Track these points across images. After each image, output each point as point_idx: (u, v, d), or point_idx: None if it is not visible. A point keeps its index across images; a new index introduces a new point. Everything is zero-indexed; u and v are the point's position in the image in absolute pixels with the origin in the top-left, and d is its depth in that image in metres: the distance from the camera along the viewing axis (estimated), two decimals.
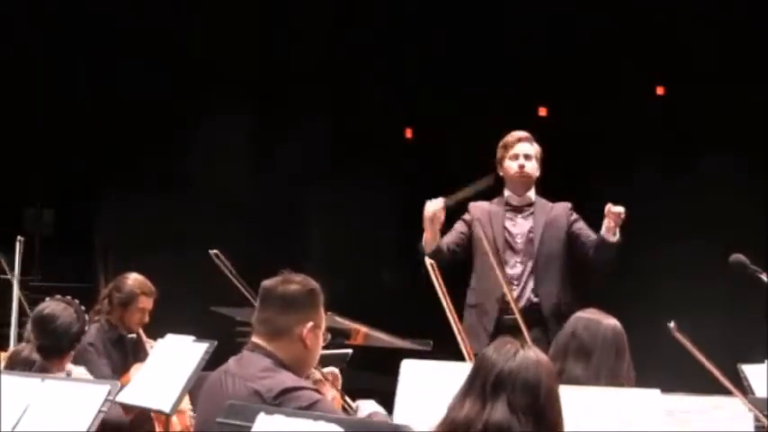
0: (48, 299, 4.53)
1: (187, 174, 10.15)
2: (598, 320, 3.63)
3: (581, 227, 5.64)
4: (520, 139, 5.55)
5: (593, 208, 9.01)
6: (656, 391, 3.11)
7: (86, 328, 4.58)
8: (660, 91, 9.25)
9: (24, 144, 10.22)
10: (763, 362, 4.51)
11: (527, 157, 5.55)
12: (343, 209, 10.11)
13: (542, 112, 9.92)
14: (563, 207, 5.69)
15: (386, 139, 10.30)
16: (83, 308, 4.51)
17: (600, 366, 3.50)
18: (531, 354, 2.79)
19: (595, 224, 5.87)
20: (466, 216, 5.64)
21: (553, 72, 9.57)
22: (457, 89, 9.80)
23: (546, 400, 2.73)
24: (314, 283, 3.52)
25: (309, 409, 3.20)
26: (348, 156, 10.11)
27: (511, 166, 5.55)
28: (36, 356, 4.27)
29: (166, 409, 4.68)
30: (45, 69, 10.14)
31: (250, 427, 2.65)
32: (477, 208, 5.64)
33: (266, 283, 3.51)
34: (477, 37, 9.78)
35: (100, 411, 3.12)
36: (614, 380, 3.50)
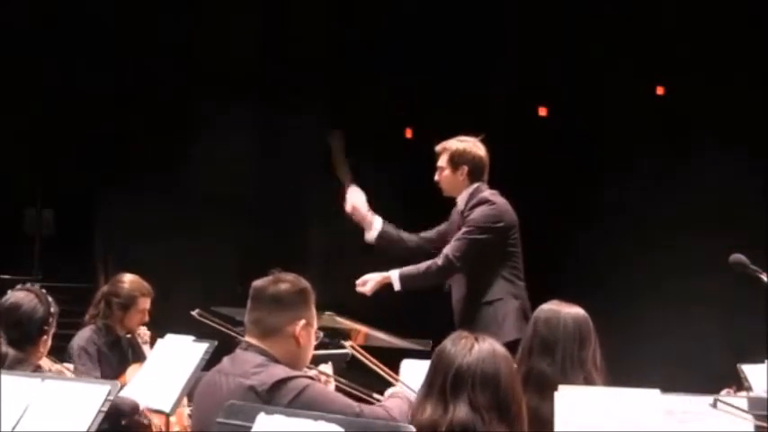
0: (9, 291, 4.48)
1: (187, 174, 10.15)
2: (557, 311, 3.59)
3: (458, 234, 5.56)
4: (436, 153, 5.73)
5: (593, 208, 9.05)
6: (656, 391, 3.11)
7: (53, 323, 4.45)
8: (660, 91, 9.26)
9: (24, 144, 10.22)
10: (763, 362, 4.51)
11: (438, 170, 5.70)
12: (344, 209, 10.09)
13: (542, 112, 9.92)
14: (464, 202, 5.69)
15: (386, 139, 10.30)
16: (44, 291, 4.45)
17: (564, 360, 3.49)
18: (486, 345, 2.79)
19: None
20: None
21: (553, 72, 9.58)
22: (457, 89, 9.80)
23: (505, 391, 2.74)
24: (305, 283, 3.53)
25: (301, 395, 3.23)
26: (349, 156, 10.10)
27: None
28: (8, 350, 4.22)
29: (166, 409, 4.68)
30: (45, 69, 10.14)
31: (250, 427, 2.65)
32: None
33: (257, 283, 3.52)
34: (478, 37, 9.78)
35: (100, 411, 3.11)
36: (581, 369, 3.49)
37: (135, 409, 4.71)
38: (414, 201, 10.29)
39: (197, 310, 4.69)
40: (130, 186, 9.95)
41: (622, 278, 8.69)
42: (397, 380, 3.96)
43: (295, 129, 10.30)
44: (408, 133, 10.64)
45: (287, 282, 3.50)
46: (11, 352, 4.22)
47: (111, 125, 10.18)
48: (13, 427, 3.18)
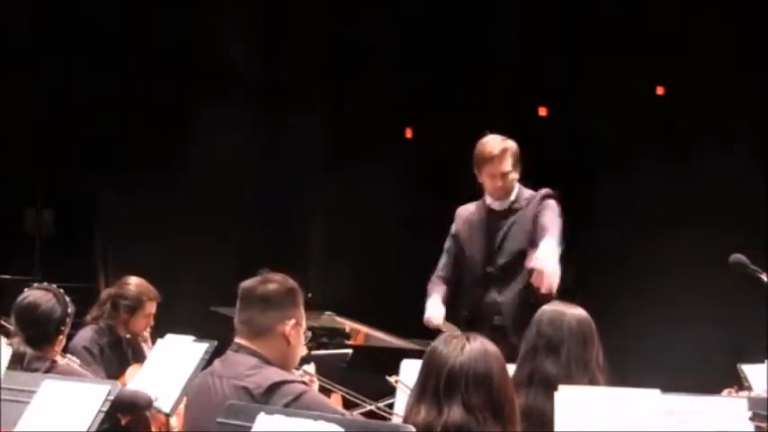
0: (26, 289, 4.47)
1: (187, 173, 10.16)
2: (562, 312, 3.59)
3: (540, 221, 5.27)
4: (497, 158, 5.28)
5: (593, 208, 9.05)
6: (656, 391, 3.11)
7: (69, 322, 4.45)
8: (660, 91, 9.26)
9: (24, 144, 10.22)
10: (763, 362, 4.51)
11: (504, 175, 5.30)
12: (344, 209, 10.11)
13: (542, 112, 9.92)
14: (537, 201, 5.46)
15: (386, 139, 10.30)
16: (62, 291, 4.45)
17: (569, 359, 3.49)
18: (478, 344, 2.79)
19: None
20: (452, 229, 5.47)
21: (553, 72, 9.58)
22: (457, 89, 9.81)
23: (498, 390, 2.73)
24: (292, 282, 3.55)
25: (297, 401, 3.23)
26: (348, 156, 10.11)
27: (487, 182, 5.34)
28: (25, 348, 4.23)
29: (166, 410, 4.68)
30: (45, 69, 10.14)
31: (250, 428, 2.65)
32: (460, 218, 5.47)
33: (245, 284, 3.54)
34: (478, 37, 9.78)
35: (100, 411, 3.12)
36: (585, 371, 3.49)
37: (150, 402, 4.71)
38: (413, 200, 10.31)
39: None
40: (130, 186, 9.95)
41: (622, 278, 8.69)
42: None
43: (295, 129, 10.30)
44: (408, 133, 10.64)
45: (275, 282, 3.52)
46: (28, 351, 4.23)
47: (111, 125, 10.18)
48: (14, 427, 3.19)
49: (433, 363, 2.79)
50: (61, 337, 4.37)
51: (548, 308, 3.64)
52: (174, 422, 4.99)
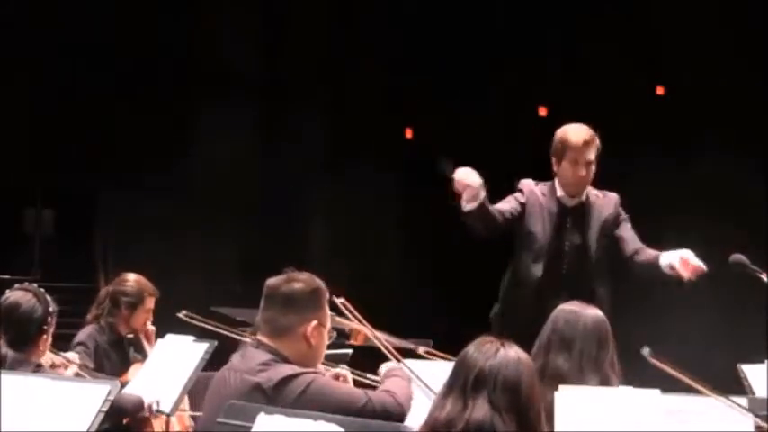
0: (8, 290, 4.44)
1: (187, 173, 10.16)
2: (578, 312, 3.60)
3: (626, 233, 5.23)
4: (585, 144, 5.02)
5: None
6: (656, 391, 3.11)
7: (51, 322, 4.41)
8: (660, 91, 9.26)
9: (24, 144, 10.22)
10: (763, 362, 4.50)
11: (588, 164, 5.06)
12: (344, 208, 10.11)
13: (542, 112, 9.92)
14: (613, 205, 5.32)
15: (386, 139, 10.30)
16: (42, 290, 4.42)
17: (581, 356, 3.48)
18: (512, 352, 2.78)
19: None
20: (520, 197, 5.11)
21: (553, 72, 9.58)
22: (457, 89, 9.81)
23: (527, 398, 2.73)
24: (318, 282, 3.52)
25: (308, 390, 3.23)
26: (349, 156, 10.11)
27: (568, 169, 5.05)
28: (7, 351, 4.20)
29: (166, 410, 4.68)
30: (45, 69, 10.14)
31: (250, 427, 2.65)
32: (533, 194, 5.13)
33: (271, 281, 3.50)
34: (478, 37, 9.78)
35: (100, 411, 3.11)
36: (597, 370, 3.48)
37: (138, 406, 4.69)
38: (413, 200, 10.31)
39: (183, 312, 4.67)
40: (130, 186, 9.95)
41: (622, 278, 8.68)
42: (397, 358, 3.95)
43: (295, 129, 10.31)
44: (408, 133, 10.64)
45: (300, 281, 3.48)
46: (10, 353, 4.20)
47: (111, 125, 10.18)
48: (14, 427, 3.18)
49: (464, 364, 2.78)
50: (45, 336, 4.31)
51: (565, 307, 3.64)
52: (175, 422, 4.99)
